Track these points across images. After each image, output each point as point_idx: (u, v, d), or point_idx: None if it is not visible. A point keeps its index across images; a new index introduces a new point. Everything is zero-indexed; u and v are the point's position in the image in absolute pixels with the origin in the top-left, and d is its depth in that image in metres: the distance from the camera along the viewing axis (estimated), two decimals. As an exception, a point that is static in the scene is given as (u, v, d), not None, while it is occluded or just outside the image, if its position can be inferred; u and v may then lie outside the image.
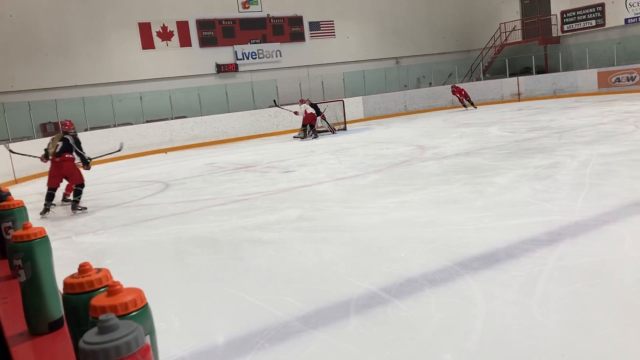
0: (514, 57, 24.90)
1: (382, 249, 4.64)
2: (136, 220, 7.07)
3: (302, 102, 17.31)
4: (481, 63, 26.24)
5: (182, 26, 21.42)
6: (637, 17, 21.98)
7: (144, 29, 20.70)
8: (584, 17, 23.77)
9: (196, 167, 12.33)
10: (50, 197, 7.95)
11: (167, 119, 19.08)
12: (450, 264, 3.99)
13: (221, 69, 22.23)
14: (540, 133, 11.25)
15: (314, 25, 24.25)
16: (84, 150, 8.18)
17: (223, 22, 22.20)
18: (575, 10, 24.02)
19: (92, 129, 17.38)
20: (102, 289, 0.81)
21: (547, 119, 14.16)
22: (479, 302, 3.31)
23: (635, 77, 20.46)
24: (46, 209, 7.93)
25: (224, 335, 3.30)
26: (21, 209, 1.59)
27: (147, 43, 20.78)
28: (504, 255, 4.07)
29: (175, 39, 21.31)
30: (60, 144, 7.97)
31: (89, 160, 8.26)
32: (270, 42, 23.13)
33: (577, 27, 24.11)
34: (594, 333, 2.83)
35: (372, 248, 4.70)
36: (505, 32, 25.87)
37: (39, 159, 8.53)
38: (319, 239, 5.20)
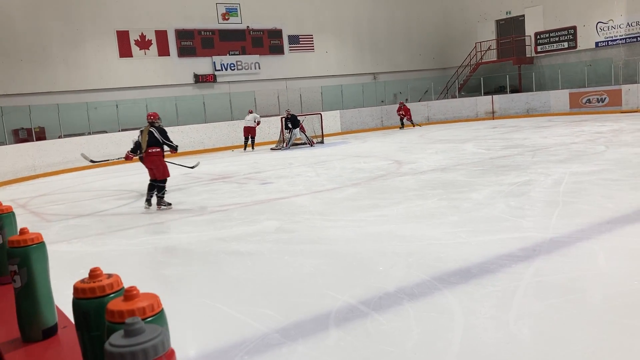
0: (488, 76, 25.38)
1: (361, 262, 4.67)
2: (111, 230, 6.97)
3: (250, 112, 18.27)
4: (457, 81, 26.68)
5: (161, 35, 21.33)
6: (607, 41, 22.65)
7: (122, 37, 20.54)
8: (557, 39, 24.40)
9: (172, 177, 12.14)
10: (150, 187, 8.14)
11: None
12: (428, 278, 4.03)
13: (199, 79, 22.15)
14: (515, 151, 11.46)
15: (293, 39, 24.38)
16: (171, 140, 8.35)
17: (202, 33, 22.18)
18: (549, 32, 24.64)
19: (66, 136, 17.12)
20: (112, 295, 0.81)
21: (520, 137, 14.44)
22: (456, 317, 3.35)
23: (605, 98, 21.03)
24: (147, 199, 8.13)
25: (201, 348, 3.27)
26: (9, 214, 1.57)
27: (125, 51, 20.62)
28: (481, 270, 4.13)
29: (154, 48, 21.20)
30: (147, 137, 8.11)
31: (176, 147, 8.45)
32: (250, 54, 23.16)
33: (550, 49, 24.73)
34: (569, 348, 2.89)
35: (351, 261, 4.72)
36: (481, 51, 26.38)
37: (123, 158, 8.90)
38: (297, 251, 5.20)
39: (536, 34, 25.15)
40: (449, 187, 7.90)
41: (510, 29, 26.17)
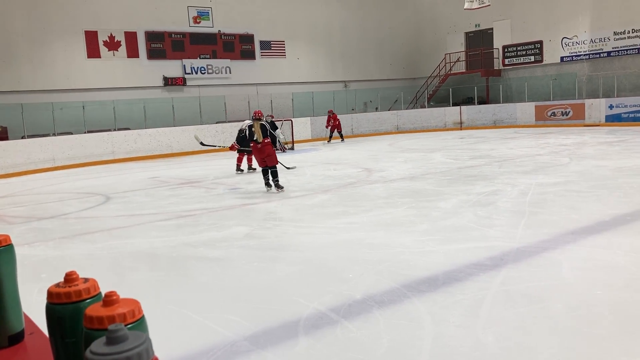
0: (457, 87, 25.79)
1: (331, 269, 4.66)
2: (74, 233, 6.81)
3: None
4: (426, 91, 27.04)
5: (131, 37, 21.02)
6: (572, 56, 23.29)
7: (90, 37, 20.17)
8: (524, 52, 24.98)
9: (139, 180, 12.02)
10: (265, 172, 9.29)
11: (109, 130, 18.56)
12: (397, 286, 4.04)
13: (169, 82, 21.90)
14: (482, 161, 11.65)
15: (265, 45, 24.35)
16: (276, 133, 10.25)
17: (173, 35, 21.95)
18: (516, 45, 25.21)
19: (30, 136, 16.69)
20: (89, 300, 0.78)
21: (487, 147, 14.69)
22: (426, 325, 3.37)
23: (569, 112, 21.60)
24: (267, 183, 9.27)
25: (168, 356, 3.21)
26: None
27: (93, 52, 20.24)
28: (450, 279, 4.17)
29: (123, 49, 20.87)
30: (260, 130, 9.20)
31: (279, 141, 10.34)
32: (220, 58, 23.02)
33: (517, 62, 25.30)
34: (536, 356, 2.93)
35: (321, 268, 4.71)
36: (450, 62, 26.81)
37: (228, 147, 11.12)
38: (267, 258, 5.17)
39: (504, 47, 25.71)
40: (417, 195, 7.98)
41: (479, 41, 26.69)
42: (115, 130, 18.76)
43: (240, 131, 11.22)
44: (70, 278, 0.78)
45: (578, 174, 9.08)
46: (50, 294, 0.77)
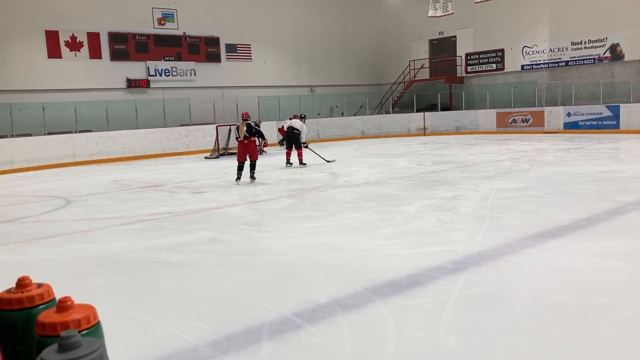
0: (421, 94, 26.14)
1: (296, 273, 4.65)
2: (32, 237, 6.62)
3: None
4: (391, 97, 27.31)
5: (93, 37, 20.59)
6: (532, 65, 23.90)
7: (51, 37, 19.66)
8: (486, 60, 25.51)
9: (100, 183, 11.78)
10: (240, 168, 10.67)
11: (70, 132, 18.13)
12: (361, 290, 4.06)
13: (132, 84, 21.54)
14: (445, 166, 11.83)
15: (231, 48, 24.21)
16: (262, 132, 11.41)
17: (137, 37, 21.61)
18: (479, 53, 25.73)
19: (-15, 137, 16.17)
20: (43, 306, 0.76)
21: (450, 153, 14.93)
22: (389, 328, 3.40)
23: (529, 119, 22.14)
24: (238, 177, 10.63)
25: (129, 361, 3.15)
26: None
27: (54, 52, 19.73)
28: (413, 282, 4.21)
29: (85, 50, 20.42)
30: (245, 128, 10.64)
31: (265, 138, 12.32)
32: (185, 60, 22.76)
33: (479, 70, 25.81)
34: (496, 358, 2.98)
35: (285, 272, 4.70)
36: (414, 69, 27.16)
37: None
38: (230, 263, 5.13)
39: (467, 54, 26.20)
40: (382, 200, 8.04)
41: (442, 48, 27.13)
42: (76, 132, 18.33)
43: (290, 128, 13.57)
44: (22, 283, 0.76)
45: (537, 179, 9.31)
46: (0, 300, 0.75)
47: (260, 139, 11.12)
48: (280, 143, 19.77)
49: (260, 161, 15.62)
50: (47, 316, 0.64)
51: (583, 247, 5.03)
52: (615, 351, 2.98)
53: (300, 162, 13.38)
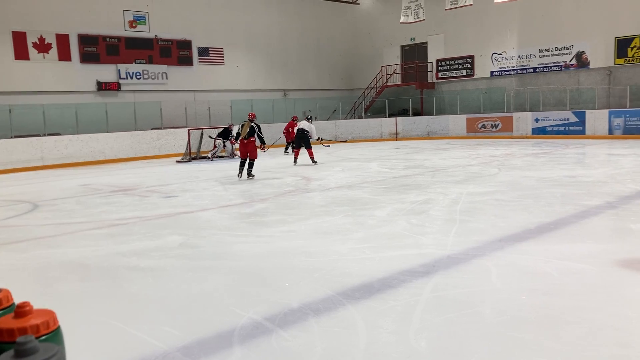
0: (393, 99, 26.38)
1: (267, 278, 4.64)
2: (-3, 243, 6.46)
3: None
4: (363, 102, 27.49)
5: (62, 39, 20.22)
6: (501, 71, 24.33)
7: (19, 38, 19.22)
8: (456, 66, 25.88)
9: (69, 187, 11.56)
10: (242, 164, 11.74)
11: (38, 135, 17.76)
12: (333, 294, 4.08)
13: (102, 86, 21.21)
14: (416, 171, 11.95)
15: (203, 51, 24.05)
16: (263, 135, 11.87)
17: (107, 39, 21.31)
18: (449, 59, 26.09)
19: (-51, 140, 15.74)
20: (1, 311, 0.74)
21: (421, 158, 15.09)
22: (360, 331, 3.41)
23: (498, 124, 22.52)
24: (240, 172, 11.70)
25: (97, 368, 3.10)
26: None
27: (21, 53, 19.29)
28: (384, 285, 4.24)
29: (54, 51, 20.03)
30: (248, 129, 11.44)
31: (265, 143, 12.51)
32: (157, 63, 22.53)
33: (450, 75, 26.17)
34: None
35: (257, 277, 4.68)
36: (387, 74, 27.39)
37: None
38: (202, 267, 5.09)
39: (437, 60, 26.54)
40: (354, 204, 8.08)
41: (414, 54, 27.43)
42: (44, 135, 17.98)
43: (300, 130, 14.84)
44: (-20, 289, 0.74)
45: (506, 184, 9.47)
46: (-43, 306, 0.73)
47: (260, 140, 11.89)
48: (287, 148, 19.22)
49: (229, 165, 15.63)
50: (5, 322, 0.63)
51: (550, 250, 5.13)
52: (582, 351, 3.05)
53: (313, 161, 14.42)
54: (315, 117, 25.77)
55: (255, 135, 11.53)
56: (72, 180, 12.95)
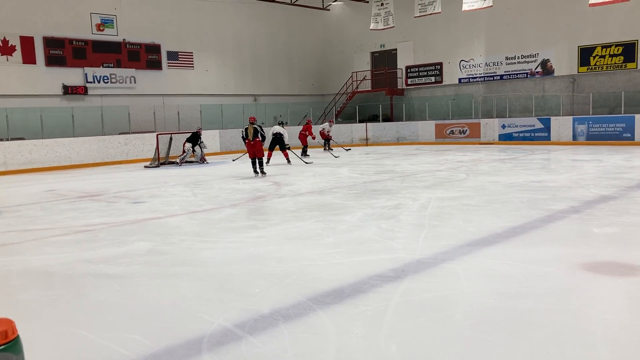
0: (363, 105, 26.56)
1: (237, 284, 4.60)
2: (-43, 251, 6.26)
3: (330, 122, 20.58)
4: (334, 107, 27.59)
5: (27, 42, 19.77)
6: (469, 78, 24.74)
7: (-20, 39, 18.76)
8: (425, 73, 26.22)
9: (33, 193, 11.29)
10: (253, 163, 12.98)
11: (1, 140, 17.30)
12: (303, 299, 4.06)
13: (69, 90, 20.81)
14: (386, 176, 12.04)
15: (172, 55, 23.83)
16: (265, 133, 13.33)
17: (74, 42, 20.92)
18: (418, 66, 26.41)
19: None
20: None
21: (391, 163, 15.21)
22: (330, 337, 3.41)
23: (466, 130, 22.88)
24: (254, 170, 12.97)
25: (61, 378, 3.02)
26: None
27: (-17, 55, 18.83)
28: (354, 290, 4.25)
29: (18, 54, 19.57)
30: (253, 131, 12.79)
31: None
32: (125, 67, 22.23)
33: (419, 82, 26.49)
34: (433, 363, 3.05)
35: (226, 283, 4.64)
36: (357, 80, 27.57)
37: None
38: (170, 274, 5.01)
39: (407, 67, 26.84)
40: (325, 209, 8.09)
41: (384, 61, 27.69)
42: (8, 140, 17.52)
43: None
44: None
45: (474, 189, 9.61)
46: None
47: (262, 139, 13.05)
48: (305, 151, 19.10)
49: (199, 170, 15.52)
50: (-38, 331, 0.61)
51: (516, 253, 5.22)
52: (547, 353, 3.10)
53: (288, 161, 15.82)
54: (287, 122, 25.79)
55: (259, 136, 12.79)
56: (36, 186, 12.66)
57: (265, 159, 14.45)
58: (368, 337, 3.38)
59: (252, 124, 12.96)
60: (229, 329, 3.58)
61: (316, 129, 20.89)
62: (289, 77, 28.43)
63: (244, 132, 12.95)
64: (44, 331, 3.73)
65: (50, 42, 20.33)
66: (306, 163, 15.67)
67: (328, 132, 21.23)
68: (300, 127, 20.80)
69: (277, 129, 16.27)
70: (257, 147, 12.75)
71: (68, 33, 20.79)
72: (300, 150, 18.81)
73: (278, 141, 16.01)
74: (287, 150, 15.97)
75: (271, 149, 16.00)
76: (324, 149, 21.24)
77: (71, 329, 3.75)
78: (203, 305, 4.11)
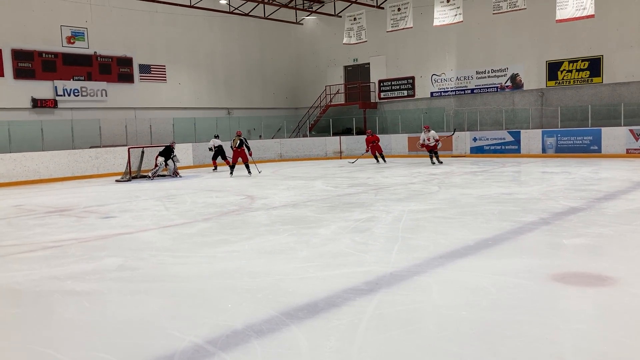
0: (337, 118, 26.70)
1: (209, 299, 4.55)
2: None
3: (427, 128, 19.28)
4: (308, 121, 27.69)
5: (-6, 54, 19.43)
6: (440, 92, 25.10)
7: (-54, 51, 18.35)
8: (398, 87, 26.52)
9: (0, 209, 11.02)
10: (232, 168, 16.89)
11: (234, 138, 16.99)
12: (276, 314, 4.04)
13: (38, 103, 20.46)
14: (359, 189, 12.09)
15: (145, 68, 23.65)
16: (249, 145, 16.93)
17: (44, 55, 20.62)
18: (391, 80, 26.71)
19: None
20: None
21: (365, 176, 15.29)
22: (303, 351, 3.39)
23: (438, 144, 23.09)
24: (231, 173, 16.77)
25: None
26: None
27: (-52, 67, 18.41)
28: (327, 304, 4.24)
29: (-16, 66, 19.21)
30: (238, 142, 16.44)
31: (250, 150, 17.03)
32: (96, 80, 21.97)
33: (392, 96, 26.77)
34: (406, 376, 3.05)
35: (198, 299, 4.58)
36: (330, 94, 27.74)
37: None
38: (141, 290, 4.94)
39: (380, 81, 27.11)
40: (299, 222, 8.08)
41: (357, 75, 27.93)
42: (-27, 153, 17.11)
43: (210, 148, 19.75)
44: None
45: (446, 201, 9.71)
46: None
47: (247, 149, 16.64)
48: (432, 158, 18.98)
49: (171, 184, 15.38)
50: None
51: (488, 265, 5.28)
52: (517, 364, 3.14)
53: (231, 172, 17.27)
54: (260, 136, 25.78)
55: (244, 146, 16.43)
56: (3, 201, 12.36)
57: (231, 165, 17.33)
58: (341, 351, 3.37)
59: (239, 136, 16.67)
60: (200, 345, 3.53)
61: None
62: (263, 90, 28.45)
63: (232, 143, 16.84)
64: (10, 351, 3.63)
65: (19, 55, 20.00)
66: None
67: (427, 140, 18.79)
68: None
69: (217, 142, 19.73)
70: (242, 155, 16.53)
71: (37, 45, 20.49)
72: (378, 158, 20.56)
73: (220, 152, 19.55)
74: (229, 159, 18.22)
75: (224, 158, 19.39)
76: (432, 162, 18.91)
77: (38, 348, 3.66)
78: (174, 321, 4.05)
